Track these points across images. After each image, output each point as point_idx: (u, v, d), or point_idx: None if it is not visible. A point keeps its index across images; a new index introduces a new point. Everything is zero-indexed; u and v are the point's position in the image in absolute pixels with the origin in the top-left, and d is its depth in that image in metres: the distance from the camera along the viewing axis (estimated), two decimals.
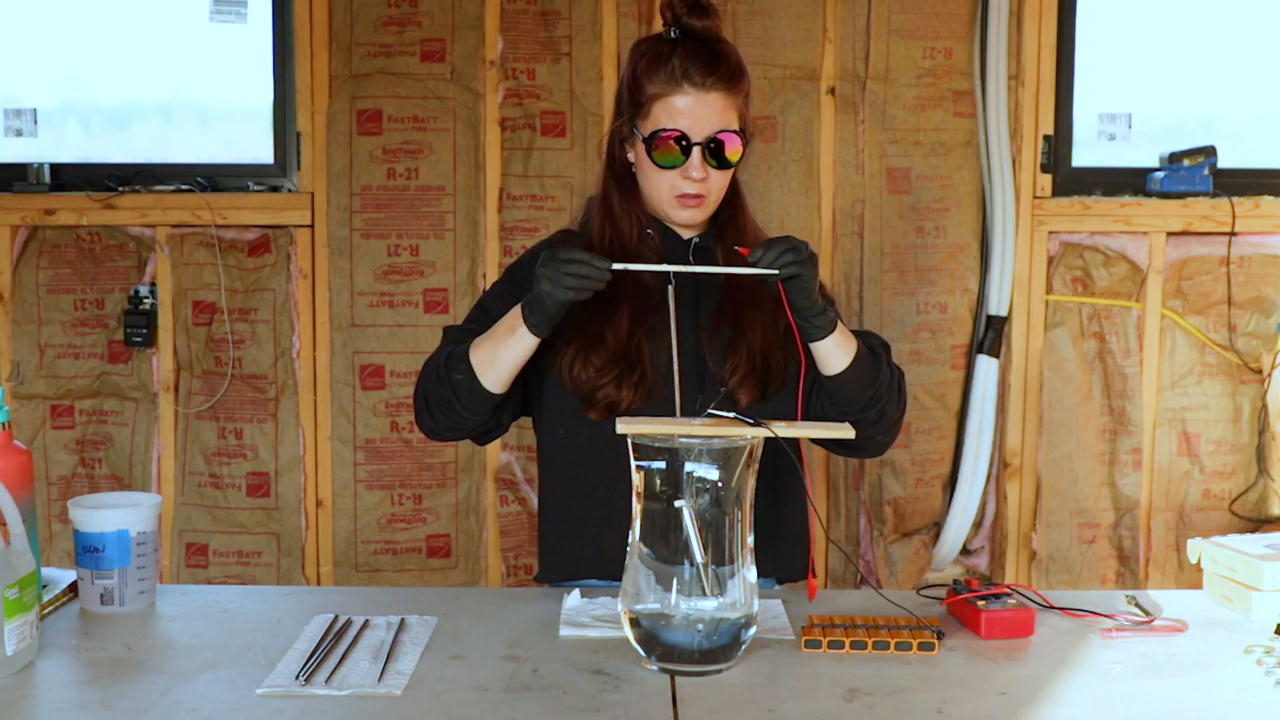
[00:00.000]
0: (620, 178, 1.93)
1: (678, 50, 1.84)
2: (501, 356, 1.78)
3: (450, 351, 1.84)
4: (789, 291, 1.72)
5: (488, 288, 2.36)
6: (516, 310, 1.77)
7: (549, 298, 1.70)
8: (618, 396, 1.83)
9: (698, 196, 1.86)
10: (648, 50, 1.87)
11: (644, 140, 1.85)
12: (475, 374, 1.80)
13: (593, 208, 1.97)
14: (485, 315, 1.88)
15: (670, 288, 1.84)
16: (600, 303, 1.83)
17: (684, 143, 1.82)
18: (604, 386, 1.83)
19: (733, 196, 1.96)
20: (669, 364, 1.85)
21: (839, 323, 1.80)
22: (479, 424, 1.88)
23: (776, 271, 1.69)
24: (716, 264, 1.91)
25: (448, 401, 1.83)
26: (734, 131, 1.84)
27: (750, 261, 1.70)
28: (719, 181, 1.87)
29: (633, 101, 1.87)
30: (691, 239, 1.95)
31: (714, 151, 1.83)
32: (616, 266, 1.70)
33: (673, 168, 1.84)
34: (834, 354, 1.79)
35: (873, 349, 1.86)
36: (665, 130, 1.82)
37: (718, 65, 1.83)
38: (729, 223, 1.95)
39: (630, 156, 1.91)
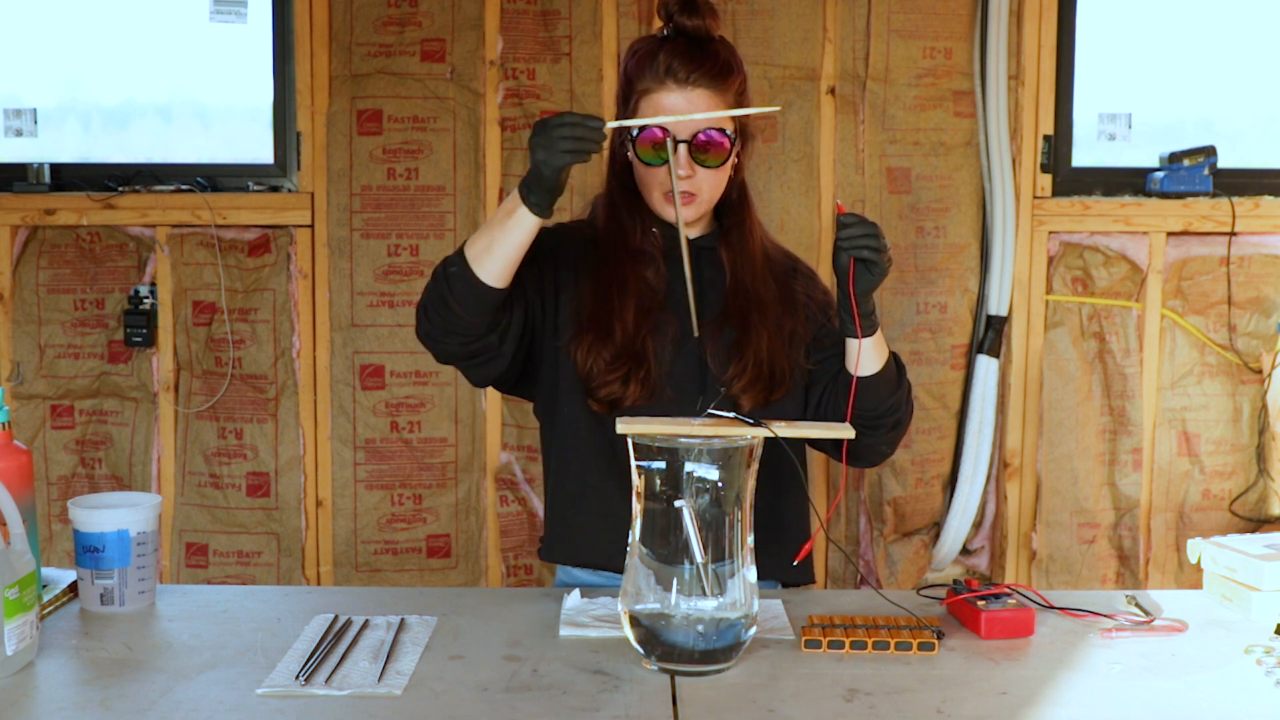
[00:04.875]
0: (622, 176, 1.93)
1: (665, 47, 1.83)
2: (499, 242, 1.71)
3: (449, 255, 1.78)
4: (860, 275, 1.72)
5: None
6: (514, 194, 1.70)
7: (546, 166, 1.64)
8: (623, 394, 1.83)
9: (687, 194, 1.84)
10: (639, 49, 1.88)
11: (630, 138, 1.84)
12: (470, 265, 1.72)
13: (599, 205, 1.98)
14: None
15: (684, 235, 1.81)
16: (608, 293, 1.83)
17: (668, 139, 1.80)
18: (610, 383, 1.83)
19: (740, 200, 1.96)
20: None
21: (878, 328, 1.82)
22: (476, 332, 1.78)
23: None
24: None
25: (443, 299, 1.75)
26: (719, 130, 1.82)
27: (844, 221, 1.69)
28: (710, 180, 1.86)
29: (624, 99, 1.88)
30: (695, 238, 1.94)
31: (699, 150, 1.82)
32: (610, 125, 1.66)
33: (657, 165, 1.83)
34: (870, 356, 1.80)
35: (898, 361, 1.89)
36: (648, 128, 1.81)
37: (703, 62, 1.81)
38: (735, 227, 1.95)
39: (630, 155, 1.91)
